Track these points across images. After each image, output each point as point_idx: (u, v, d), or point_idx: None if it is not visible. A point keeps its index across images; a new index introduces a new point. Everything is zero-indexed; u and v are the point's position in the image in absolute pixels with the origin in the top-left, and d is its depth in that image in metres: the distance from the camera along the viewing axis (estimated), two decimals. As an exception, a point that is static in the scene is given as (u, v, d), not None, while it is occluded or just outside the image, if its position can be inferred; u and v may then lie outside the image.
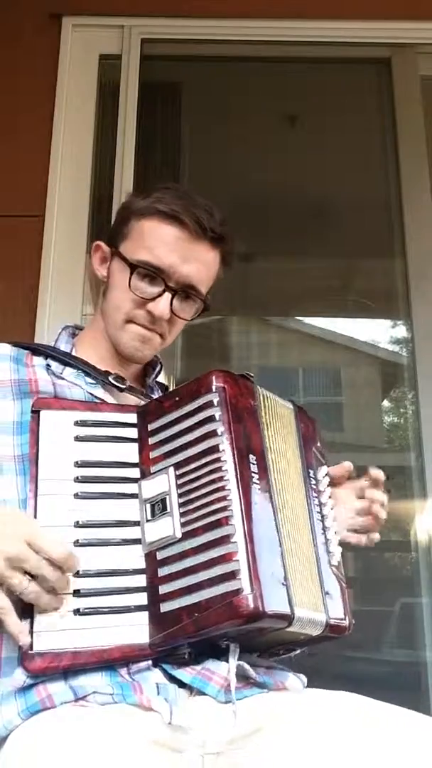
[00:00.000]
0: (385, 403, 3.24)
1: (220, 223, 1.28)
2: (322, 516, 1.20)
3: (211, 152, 2.84)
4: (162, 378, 1.46)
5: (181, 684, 1.02)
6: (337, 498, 1.30)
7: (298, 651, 1.20)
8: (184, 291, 1.28)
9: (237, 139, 2.83)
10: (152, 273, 1.26)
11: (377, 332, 3.10)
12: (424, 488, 2.28)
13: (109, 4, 2.62)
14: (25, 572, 0.98)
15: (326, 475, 1.26)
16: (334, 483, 1.30)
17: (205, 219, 1.25)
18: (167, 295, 1.26)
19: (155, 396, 1.38)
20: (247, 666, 1.02)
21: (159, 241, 1.26)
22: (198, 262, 1.27)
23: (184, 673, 1.02)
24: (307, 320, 3.15)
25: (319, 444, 1.30)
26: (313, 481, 1.22)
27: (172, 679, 1.02)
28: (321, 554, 1.15)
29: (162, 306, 1.26)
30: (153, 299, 1.27)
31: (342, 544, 1.24)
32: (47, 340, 1.45)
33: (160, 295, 1.26)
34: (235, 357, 3.07)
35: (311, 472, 1.23)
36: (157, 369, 1.42)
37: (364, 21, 2.60)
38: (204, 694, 1.00)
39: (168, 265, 1.26)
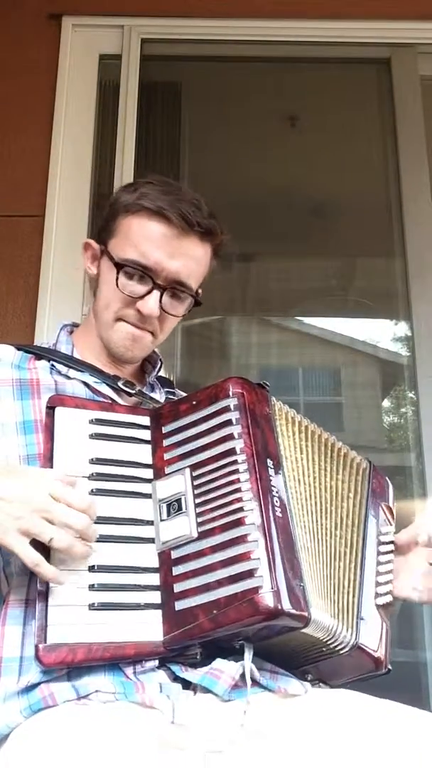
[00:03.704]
0: (385, 403, 3.23)
1: (208, 216, 1.27)
2: (377, 561, 1.22)
3: (211, 152, 2.84)
4: (162, 373, 1.46)
5: (185, 685, 1.02)
6: (407, 561, 1.27)
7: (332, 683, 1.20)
8: (173, 288, 1.27)
9: (237, 138, 2.83)
10: (139, 271, 1.25)
11: (377, 332, 3.09)
12: (424, 488, 2.28)
13: (109, 4, 2.62)
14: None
15: (390, 533, 1.28)
16: (402, 548, 1.28)
17: (191, 213, 1.23)
18: (156, 293, 1.25)
19: (156, 394, 1.38)
20: (253, 667, 1.02)
21: (145, 238, 1.24)
22: (186, 258, 1.26)
23: (192, 674, 1.02)
24: (307, 320, 3.15)
25: (389, 504, 1.31)
26: (373, 528, 1.24)
27: (177, 679, 1.02)
28: (367, 586, 1.17)
29: (151, 304, 1.25)
30: (141, 297, 1.25)
31: (405, 599, 1.26)
32: (47, 340, 1.45)
33: (148, 293, 1.25)
34: (235, 357, 3.07)
35: (375, 521, 1.25)
36: (158, 366, 1.41)
37: (364, 21, 2.61)
38: (208, 692, 1.00)
39: (154, 263, 1.24)
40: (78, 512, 0.99)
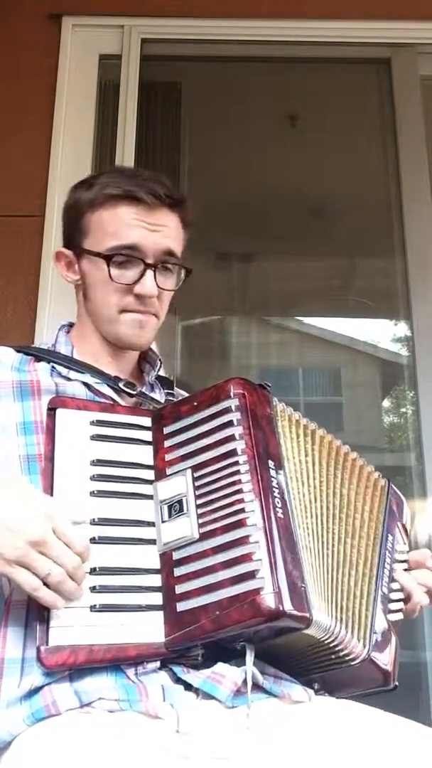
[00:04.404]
0: (385, 403, 3.24)
1: (172, 187, 1.29)
2: (392, 578, 1.22)
3: (211, 152, 2.84)
4: (162, 373, 1.45)
5: (188, 686, 1.01)
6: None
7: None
8: (163, 261, 1.27)
9: (237, 139, 2.83)
10: (128, 255, 1.25)
11: (377, 332, 3.10)
12: (424, 488, 2.28)
13: (109, 4, 2.62)
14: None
15: (405, 552, 1.29)
16: (412, 566, 1.30)
17: (158, 188, 1.25)
18: (149, 273, 1.25)
19: (156, 394, 1.37)
20: (256, 671, 1.02)
21: (122, 222, 1.25)
22: (165, 228, 1.27)
23: (194, 677, 1.01)
24: (307, 320, 3.15)
25: (404, 522, 1.32)
26: (390, 545, 1.24)
27: (179, 680, 1.02)
28: (381, 601, 1.17)
29: (148, 284, 1.25)
30: (137, 282, 1.25)
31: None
32: (47, 340, 1.45)
33: (142, 275, 1.25)
34: (235, 357, 3.07)
35: (390, 537, 1.25)
36: (157, 366, 1.40)
37: (364, 21, 2.61)
38: (212, 698, 1.00)
39: (140, 239, 1.24)
40: (73, 554, 0.99)
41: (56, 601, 0.98)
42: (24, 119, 2.48)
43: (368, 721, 1.00)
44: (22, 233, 2.37)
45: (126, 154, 2.45)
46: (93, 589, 1.01)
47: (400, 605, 1.22)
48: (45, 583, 0.98)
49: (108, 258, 1.25)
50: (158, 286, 1.27)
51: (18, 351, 1.28)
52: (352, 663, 1.08)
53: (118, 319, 1.29)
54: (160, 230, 1.26)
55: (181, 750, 0.93)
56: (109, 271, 1.25)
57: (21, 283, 2.32)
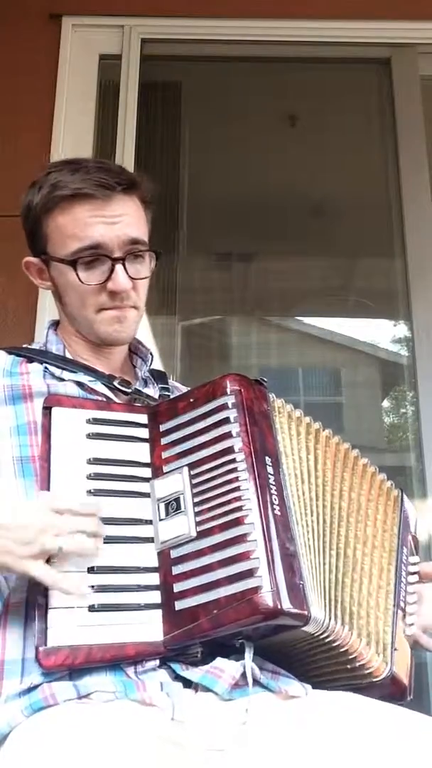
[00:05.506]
0: (385, 403, 3.24)
1: (120, 171, 1.26)
2: (407, 591, 1.21)
3: (211, 152, 2.84)
4: (156, 366, 1.44)
5: (186, 684, 1.01)
6: (423, 596, 1.29)
7: None
8: (130, 252, 1.24)
9: (237, 139, 2.83)
10: (93, 255, 1.22)
11: (377, 332, 3.10)
12: (424, 488, 2.28)
13: (109, 4, 2.62)
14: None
15: (416, 563, 1.28)
16: (423, 578, 1.30)
17: (105, 177, 1.22)
18: (119, 267, 1.22)
19: (149, 389, 1.35)
20: (255, 666, 1.02)
21: (78, 223, 1.21)
22: (124, 217, 1.23)
23: (193, 673, 1.01)
24: (307, 320, 3.15)
25: (414, 534, 1.31)
26: (404, 557, 1.24)
27: (177, 678, 1.02)
28: (399, 615, 1.16)
29: (121, 279, 1.22)
30: (108, 279, 1.22)
31: (415, 641, 1.25)
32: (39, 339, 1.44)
33: (112, 271, 1.22)
34: (235, 357, 3.07)
35: (405, 549, 1.25)
36: (149, 360, 1.38)
37: (364, 21, 2.61)
38: (209, 691, 1.00)
39: (101, 237, 1.21)
40: (85, 517, 1.00)
41: (80, 585, 0.99)
42: (24, 119, 2.48)
43: (365, 711, 1.00)
44: (22, 233, 2.36)
45: (126, 154, 2.45)
46: (91, 588, 1.01)
47: (414, 618, 1.22)
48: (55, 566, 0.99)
49: (73, 263, 1.22)
50: (131, 278, 1.24)
51: (9, 353, 1.27)
52: (375, 680, 1.08)
53: (96, 319, 1.26)
54: (120, 220, 1.22)
55: (176, 739, 0.93)
56: (77, 275, 1.22)
57: (21, 283, 2.31)
